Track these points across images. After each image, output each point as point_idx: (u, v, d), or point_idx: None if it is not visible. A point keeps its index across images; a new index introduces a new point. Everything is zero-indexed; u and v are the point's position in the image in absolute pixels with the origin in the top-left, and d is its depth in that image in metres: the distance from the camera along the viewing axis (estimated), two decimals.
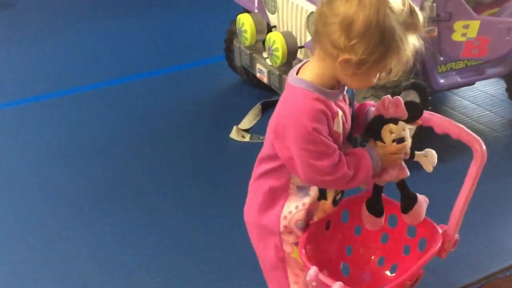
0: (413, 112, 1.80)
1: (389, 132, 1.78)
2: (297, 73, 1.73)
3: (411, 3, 1.62)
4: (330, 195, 1.85)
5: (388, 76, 1.71)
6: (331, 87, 1.70)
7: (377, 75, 1.68)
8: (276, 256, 1.91)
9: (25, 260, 2.64)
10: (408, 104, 1.80)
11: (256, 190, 1.90)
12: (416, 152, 1.86)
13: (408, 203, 1.92)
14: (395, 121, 1.78)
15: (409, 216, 1.94)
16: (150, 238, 2.77)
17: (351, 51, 1.58)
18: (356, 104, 1.90)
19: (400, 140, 1.78)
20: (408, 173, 1.86)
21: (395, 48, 1.59)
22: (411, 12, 1.61)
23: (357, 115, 1.87)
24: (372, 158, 1.75)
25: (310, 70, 1.71)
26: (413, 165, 1.86)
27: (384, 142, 1.78)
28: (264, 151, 1.84)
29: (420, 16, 1.63)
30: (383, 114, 1.80)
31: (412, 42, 1.63)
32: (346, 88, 1.77)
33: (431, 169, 1.88)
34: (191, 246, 2.72)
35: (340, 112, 1.72)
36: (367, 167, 1.74)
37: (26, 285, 2.53)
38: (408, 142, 1.81)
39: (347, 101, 1.79)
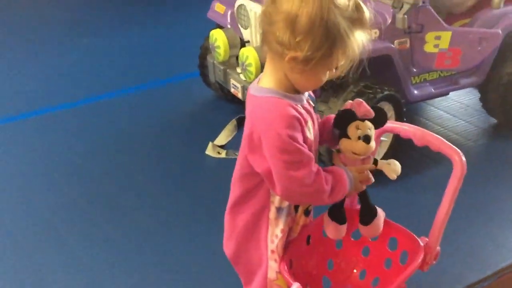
0: (379, 114, 1.81)
1: (355, 128, 1.77)
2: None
3: None
4: (301, 208, 1.84)
5: (335, 71, 1.69)
6: (294, 91, 1.68)
7: (326, 74, 1.67)
8: (260, 284, 1.89)
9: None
10: (374, 108, 1.83)
11: (234, 220, 1.87)
12: (380, 160, 1.87)
13: (369, 215, 1.91)
14: (362, 120, 1.79)
15: (369, 229, 1.93)
16: (128, 255, 2.74)
17: (296, 48, 1.57)
18: (322, 120, 1.90)
19: (366, 137, 1.77)
20: (373, 180, 1.85)
21: (341, 43, 1.58)
22: (357, 7, 1.60)
23: (324, 127, 1.87)
24: (349, 179, 1.74)
25: (268, 78, 1.69)
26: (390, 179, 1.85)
27: (350, 138, 1.77)
28: (237, 170, 1.81)
29: (367, 11, 1.62)
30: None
31: (360, 38, 1.62)
32: (307, 93, 1.76)
33: (395, 176, 1.87)
34: (170, 263, 2.70)
35: (309, 117, 1.71)
36: (344, 188, 1.73)
37: None
38: (373, 144, 1.80)
39: (312, 105, 1.78)
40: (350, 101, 1.82)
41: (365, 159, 1.84)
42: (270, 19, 1.60)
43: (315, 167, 1.66)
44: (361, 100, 1.81)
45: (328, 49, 1.58)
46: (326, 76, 1.68)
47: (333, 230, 1.91)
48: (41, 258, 2.73)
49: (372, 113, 1.80)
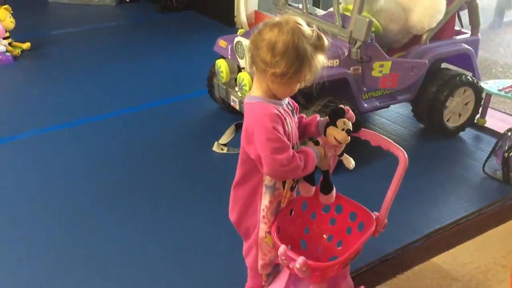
0: (357, 123, 1.89)
1: (342, 123, 1.84)
2: None
3: (318, 31, 1.68)
4: (287, 185, 1.87)
5: (304, 83, 1.75)
6: (275, 98, 1.74)
7: (297, 85, 1.73)
8: (253, 240, 1.93)
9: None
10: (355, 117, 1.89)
11: (236, 194, 1.91)
12: (344, 154, 1.92)
13: (329, 188, 1.95)
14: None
15: (327, 197, 1.96)
16: (153, 232, 2.68)
17: (275, 66, 1.63)
18: (309, 118, 1.95)
19: (348, 130, 1.84)
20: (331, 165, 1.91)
21: (307, 62, 1.65)
22: (319, 37, 1.67)
23: (310, 124, 1.92)
24: (315, 154, 1.79)
25: (256, 89, 1.75)
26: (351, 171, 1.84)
27: (337, 128, 1.84)
28: (239, 157, 1.86)
29: (325, 40, 1.69)
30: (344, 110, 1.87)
31: (321, 59, 1.69)
32: (287, 100, 1.81)
33: (352, 167, 1.92)
34: (186, 234, 2.67)
35: (287, 116, 1.76)
36: (313, 160, 1.77)
37: None
38: (348, 139, 1.86)
39: (290, 109, 1.82)
40: (342, 106, 1.89)
41: (337, 147, 1.88)
42: (257, 45, 1.67)
43: (291, 152, 1.70)
44: (348, 107, 1.87)
45: (298, 66, 1.65)
46: (297, 86, 1.74)
47: (306, 190, 1.92)
48: (90, 236, 2.64)
49: (354, 119, 1.87)
